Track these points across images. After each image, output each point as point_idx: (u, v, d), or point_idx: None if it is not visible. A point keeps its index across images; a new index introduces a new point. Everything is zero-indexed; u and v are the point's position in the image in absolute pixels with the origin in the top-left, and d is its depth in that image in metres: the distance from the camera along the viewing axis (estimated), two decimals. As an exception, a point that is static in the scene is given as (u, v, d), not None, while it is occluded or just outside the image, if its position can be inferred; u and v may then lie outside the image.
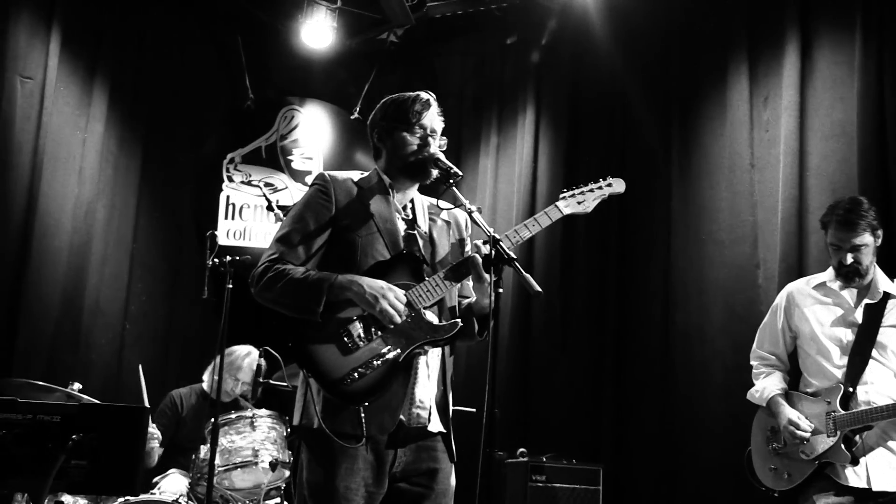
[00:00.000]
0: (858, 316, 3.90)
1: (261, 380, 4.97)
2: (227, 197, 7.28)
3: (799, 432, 3.82)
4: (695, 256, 5.65)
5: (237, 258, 4.70)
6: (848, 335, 3.89)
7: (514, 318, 6.53)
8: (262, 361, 4.97)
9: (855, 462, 3.71)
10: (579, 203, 3.19)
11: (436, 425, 3.07)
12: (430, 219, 3.24)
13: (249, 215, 7.27)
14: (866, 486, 3.70)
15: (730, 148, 5.53)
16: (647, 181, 5.99)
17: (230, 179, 7.32)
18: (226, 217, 7.24)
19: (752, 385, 4.22)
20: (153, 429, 5.19)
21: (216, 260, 4.79)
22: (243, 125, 7.52)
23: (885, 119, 4.78)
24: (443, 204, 3.25)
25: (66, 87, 6.23)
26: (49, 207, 5.99)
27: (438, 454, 3.08)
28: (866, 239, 3.84)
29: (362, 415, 2.89)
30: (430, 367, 3.05)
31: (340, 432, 2.89)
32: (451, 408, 3.13)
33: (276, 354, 4.90)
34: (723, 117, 5.61)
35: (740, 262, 5.35)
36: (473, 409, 5.10)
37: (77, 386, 4.68)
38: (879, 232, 3.89)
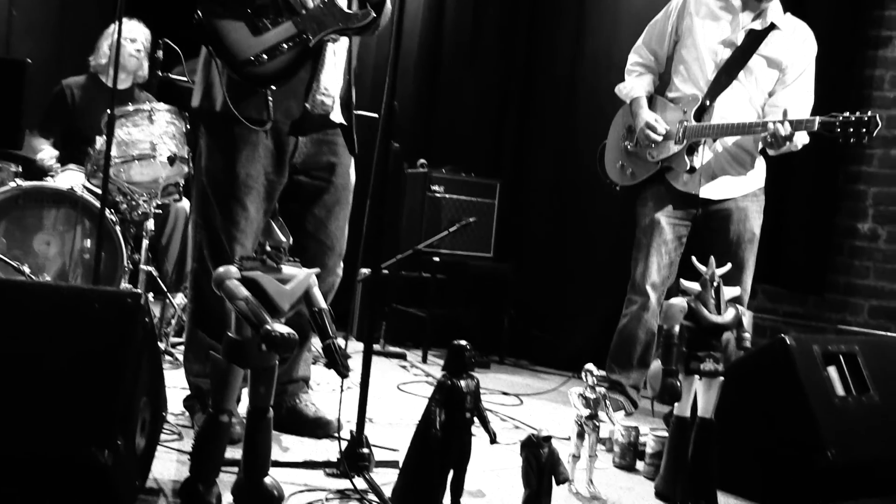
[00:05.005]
0: (740, 38, 3.93)
1: (159, 73, 4.79)
2: None
3: (653, 135, 3.97)
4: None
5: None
6: (725, 53, 3.93)
7: (423, 31, 6.39)
8: (160, 53, 4.75)
9: (692, 171, 3.92)
10: None
11: (338, 116, 3.09)
12: None
13: None
14: (695, 193, 3.93)
15: None
16: None
17: None
18: None
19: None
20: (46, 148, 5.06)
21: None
22: None
23: None
24: None
25: None
26: None
27: (339, 148, 3.12)
28: None
29: (269, 98, 2.86)
30: (336, 55, 3.02)
31: (246, 116, 2.86)
32: (353, 102, 3.13)
33: (176, 48, 4.72)
34: None
35: (656, -11, 5.27)
36: (376, 115, 5.07)
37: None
38: None
